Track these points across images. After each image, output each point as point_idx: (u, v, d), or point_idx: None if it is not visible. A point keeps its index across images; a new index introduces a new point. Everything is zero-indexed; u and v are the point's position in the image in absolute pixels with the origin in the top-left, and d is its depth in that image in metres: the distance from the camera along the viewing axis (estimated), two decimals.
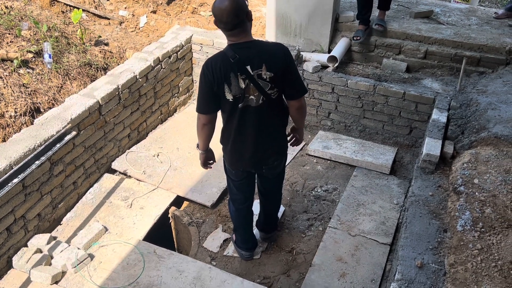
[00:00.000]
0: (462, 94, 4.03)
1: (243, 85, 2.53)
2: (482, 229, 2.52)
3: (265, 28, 5.23)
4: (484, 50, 4.26)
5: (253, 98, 2.58)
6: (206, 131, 2.71)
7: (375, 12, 4.82)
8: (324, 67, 4.69)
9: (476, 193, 2.76)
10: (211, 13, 5.57)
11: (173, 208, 3.86)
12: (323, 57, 4.76)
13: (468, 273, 2.31)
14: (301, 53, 4.68)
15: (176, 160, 4.21)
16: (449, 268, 2.41)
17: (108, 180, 3.97)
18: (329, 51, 4.94)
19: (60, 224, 3.55)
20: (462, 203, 2.72)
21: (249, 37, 2.53)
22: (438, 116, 3.71)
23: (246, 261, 3.34)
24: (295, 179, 4.05)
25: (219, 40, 4.72)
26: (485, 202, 2.67)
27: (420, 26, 4.70)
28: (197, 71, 5.00)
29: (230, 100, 2.57)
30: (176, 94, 4.88)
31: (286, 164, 4.18)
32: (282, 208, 3.72)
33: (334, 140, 4.48)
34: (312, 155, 4.35)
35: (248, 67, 2.50)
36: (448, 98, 3.95)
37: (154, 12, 5.53)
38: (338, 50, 4.73)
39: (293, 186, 3.97)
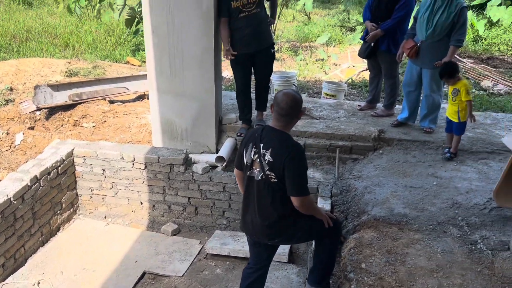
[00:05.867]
0: (341, 181, 4.33)
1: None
2: None
3: (151, 134, 5.26)
4: (354, 139, 4.71)
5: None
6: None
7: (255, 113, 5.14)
8: (214, 167, 4.78)
9: (365, 278, 2.86)
10: (94, 124, 5.50)
11: None
12: (212, 158, 4.86)
13: None
14: (189, 155, 4.75)
15: (60, 286, 3.81)
16: None
17: None
18: (217, 151, 5.08)
19: None
20: None
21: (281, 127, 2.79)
22: (323, 204, 3.91)
23: None
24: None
25: (103, 151, 4.62)
26: (374, 286, 2.77)
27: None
28: (81, 184, 4.78)
29: None
30: (58, 212, 4.56)
31: (184, 272, 4.02)
32: None
33: (232, 237, 4.45)
34: (210, 255, 4.23)
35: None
36: (329, 186, 4.22)
37: (32, 128, 5.30)
38: (224, 150, 4.88)
39: None
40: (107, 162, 4.65)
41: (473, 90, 7.49)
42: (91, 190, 4.82)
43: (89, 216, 4.87)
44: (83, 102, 5.76)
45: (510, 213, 3.38)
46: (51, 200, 4.42)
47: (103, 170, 4.69)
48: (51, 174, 4.35)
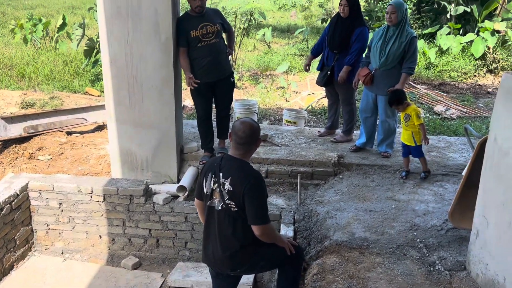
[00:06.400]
0: (303, 207, 4.36)
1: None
2: None
3: (110, 165, 5.14)
4: (314, 165, 4.77)
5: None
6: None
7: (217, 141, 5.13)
8: (175, 197, 4.71)
9: None
10: (50, 157, 5.33)
11: None
12: (173, 188, 4.80)
13: None
14: (150, 186, 4.67)
15: None
16: None
17: None
18: (179, 181, 5.01)
19: None
20: None
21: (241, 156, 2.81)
22: (286, 230, 3.91)
23: None
24: None
25: (60, 184, 4.47)
26: None
27: (258, 149, 5.11)
28: (36, 219, 4.59)
29: None
30: (12, 249, 4.35)
31: None
32: None
33: (195, 269, 4.36)
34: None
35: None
36: (292, 212, 4.23)
37: None
38: (186, 179, 4.83)
39: None
40: (64, 196, 4.50)
41: (427, 115, 7.80)
42: (47, 225, 4.63)
43: (45, 252, 4.66)
44: (39, 134, 5.59)
45: (465, 234, 3.48)
46: (4, 237, 4.22)
47: (60, 203, 4.53)
48: (4, 210, 4.16)
